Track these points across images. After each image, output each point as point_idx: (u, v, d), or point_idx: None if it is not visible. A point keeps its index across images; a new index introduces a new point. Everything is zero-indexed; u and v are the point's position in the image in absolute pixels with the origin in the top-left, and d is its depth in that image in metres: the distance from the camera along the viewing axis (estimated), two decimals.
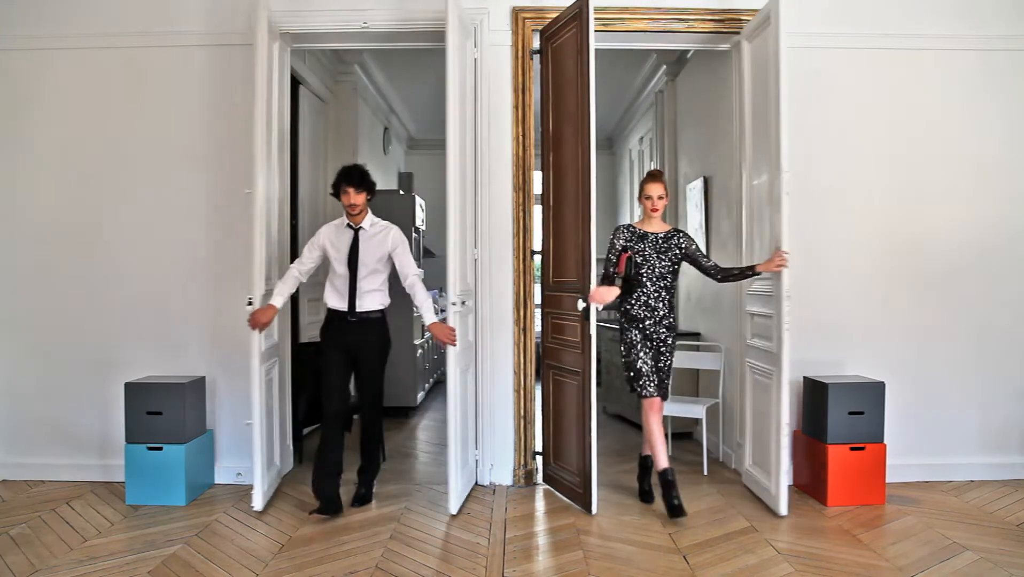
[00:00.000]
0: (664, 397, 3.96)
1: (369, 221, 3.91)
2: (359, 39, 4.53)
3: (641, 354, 3.89)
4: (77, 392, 4.39)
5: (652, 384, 3.87)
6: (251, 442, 3.84)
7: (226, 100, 4.33)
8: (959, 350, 4.42)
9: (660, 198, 3.93)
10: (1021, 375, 4.44)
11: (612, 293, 3.77)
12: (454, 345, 3.78)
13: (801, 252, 4.20)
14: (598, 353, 7.08)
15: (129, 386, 4.05)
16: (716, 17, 4.34)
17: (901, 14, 4.38)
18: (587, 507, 3.85)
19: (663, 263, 3.92)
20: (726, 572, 3.13)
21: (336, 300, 3.87)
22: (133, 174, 4.38)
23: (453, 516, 3.80)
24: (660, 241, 3.94)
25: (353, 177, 3.81)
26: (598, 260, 3.85)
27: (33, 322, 4.40)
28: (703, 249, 3.94)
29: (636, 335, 3.91)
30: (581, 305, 3.82)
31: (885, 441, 4.06)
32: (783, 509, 3.77)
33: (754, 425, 4.23)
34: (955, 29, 4.38)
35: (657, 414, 3.90)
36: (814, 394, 4.11)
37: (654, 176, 3.98)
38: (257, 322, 3.74)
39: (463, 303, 3.94)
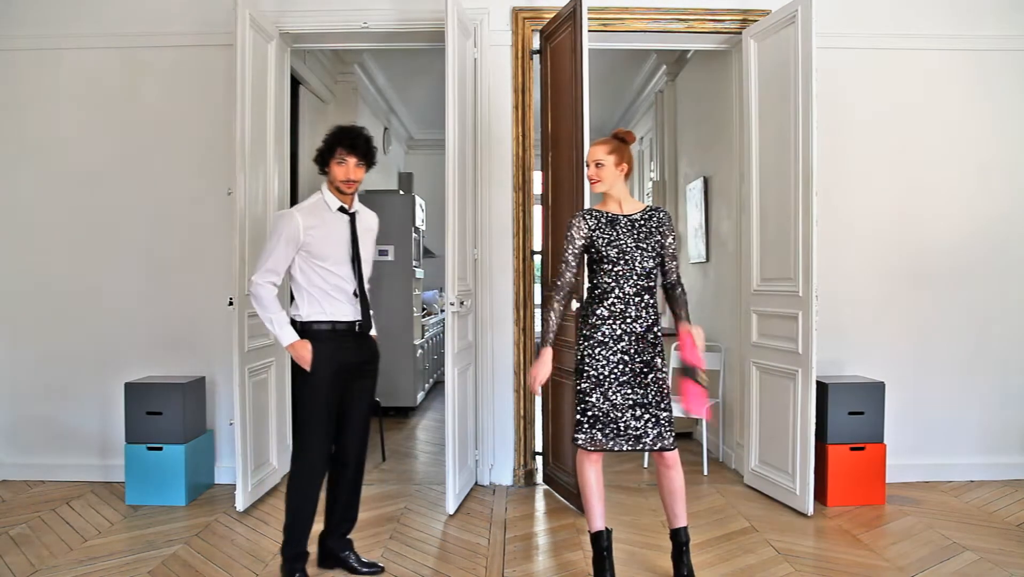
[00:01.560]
0: (664, 448, 2.87)
1: (356, 203, 3.04)
2: (359, 39, 4.53)
3: (607, 391, 2.87)
4: (77, 392, 4.39)
5: (604, 431, 2.88)
6: (233, 443, 3.83)
7: (224, 100, 4.33)
8: (959, 350, 4.42)
9: (599, 165, 2.91)
10: (1021, 375, 4.44)
11: (546, 368, 2.92)
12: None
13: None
14: None
15: (129, 386, 4.05)
16: (716, 17, 4.34)
17: (902, 15, 4.38)
18: (581, 508, 3.84)
19: (645, 255, 2.90)
20: (726, 572, 3.13)
21: (341, 310, 2.93)
22: (133, 174, 4.38)
23: (451, 516, 3.80)
24: (639, 225, 2.94)
25: (359, 143, 2.90)
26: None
27: (33, 322, 4.40)
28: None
29: (602, 365, 2.88)
30: (575, 305, 3.82)
31: (885, 441, 4.05)
32: (809, 508, 3.77)
33: (764, 425, 4.21)
34: (956, 29, 4.38)
35: (597, 464, 2.96)
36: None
37: (602, 140, 2.98)
38: (308, 362, 2.88)
39: (462, 303, 3.94)
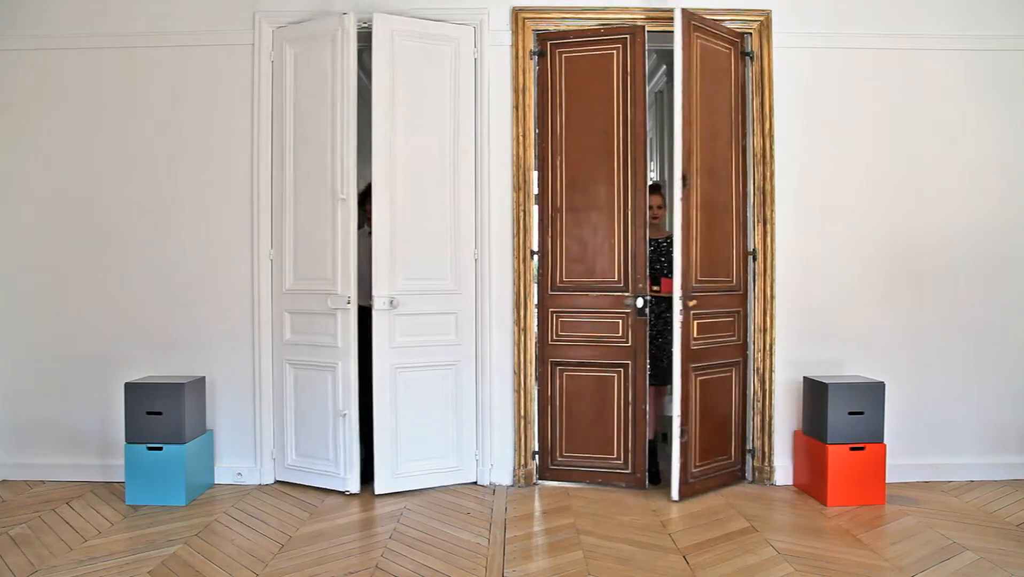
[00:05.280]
0: (663, 381, 4.40)
1: None
2: None
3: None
4: (77, 392, 4.39)
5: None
6: (347, 430, 4.05)
7: (227, 100, 4.33)
8: (959, 350, 4.42)
9: (660, 208, 4.50)
10: (1021, 375, 4.44)
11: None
12: None
13: (800, 252, 4.25)
14: None
15: (129, 386, 4.05)
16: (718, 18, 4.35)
17: (901, 14, 4.37)
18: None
19: (663, 264, 4.42)
20: (726, 572, 3.13)
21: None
22: (134, 175, 4.37)
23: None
24: (661, 245, 4.45)
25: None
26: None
27: (33, 322, 4.40)
28: None
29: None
30: (640, 303, 4.18)
31: (885, 441, 4.06)
32: (675, 494, 4.02)
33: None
34: (955, 29, 4.38)
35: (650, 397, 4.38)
36: (814, 394, 4.11)
37: (651, 189, 4.35)
38: None
39: (391, 302, 4.05)
